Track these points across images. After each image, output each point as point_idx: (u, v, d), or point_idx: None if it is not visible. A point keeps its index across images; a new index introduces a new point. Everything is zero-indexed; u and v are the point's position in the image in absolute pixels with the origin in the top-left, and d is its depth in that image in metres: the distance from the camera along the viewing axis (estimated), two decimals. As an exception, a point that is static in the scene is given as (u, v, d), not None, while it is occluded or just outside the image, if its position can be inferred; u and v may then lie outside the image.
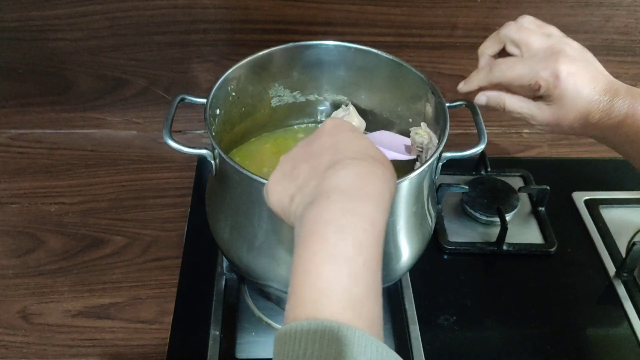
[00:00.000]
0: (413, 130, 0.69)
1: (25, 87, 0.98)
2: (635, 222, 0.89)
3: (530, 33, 0.63)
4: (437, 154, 0.62)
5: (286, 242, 0.61)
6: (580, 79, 0.60)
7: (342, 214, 0.42)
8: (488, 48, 0.66)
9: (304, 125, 0.84)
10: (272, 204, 0.49)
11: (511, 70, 0.62)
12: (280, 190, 0.48)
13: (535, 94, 0.63)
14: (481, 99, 0.66)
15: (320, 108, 0.82)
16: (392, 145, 0.71)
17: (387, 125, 0.80)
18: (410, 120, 0.76)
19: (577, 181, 0.96)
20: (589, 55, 0.62)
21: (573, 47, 0.62)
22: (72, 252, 0.83)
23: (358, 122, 0.78)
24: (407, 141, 0.72)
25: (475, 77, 0.66)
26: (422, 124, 0.69)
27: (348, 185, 0.44)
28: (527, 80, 0.61)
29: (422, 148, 0.68)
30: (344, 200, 0.43)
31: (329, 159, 0.46)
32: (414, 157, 0.69)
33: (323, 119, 0.83)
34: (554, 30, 0.64)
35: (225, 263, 0.79)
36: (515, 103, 0.64)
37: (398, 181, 0.59)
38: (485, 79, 0.65)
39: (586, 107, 0.60)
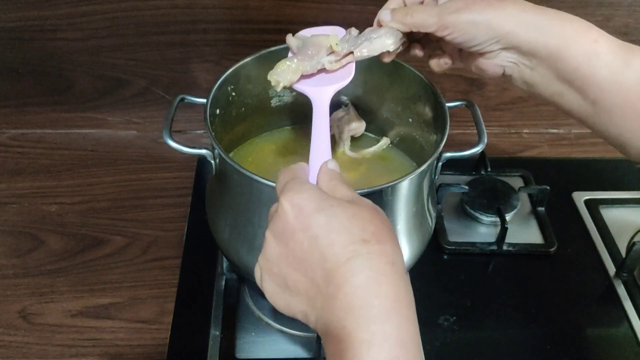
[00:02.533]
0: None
1: (25, 87, 0.98)
2: (635, 222, 0.89)
3: None
4: (437, 154, 0.62)
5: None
6: None
7: (365, 346, 0.38)
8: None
9: (304, 125, 0.84)
10: (283, 313, 0.46)
11: None
12: (284, 304, 0.44)
13: None
14: (384, 14, 0.60)
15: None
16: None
17: (387, 125, 0.80)
18: (410, 120, 0.76)
19: (577, 181, 0.95)
20: None
21: None
22: (72, 252, 0.83)
23: (358, 122, 0.79)
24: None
25: None
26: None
27: (358, 303, 0.39)
28: None
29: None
30: (361, 328, 0.39)
31: (321, 268, 0.41)
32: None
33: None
34: None
35: (225, 263, 0.79)
36: (421, 11, 0.57)
37: (398, 181, 0.59)
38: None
39: None
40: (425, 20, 0.56)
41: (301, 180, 0.47)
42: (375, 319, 0.39)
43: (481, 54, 0.57)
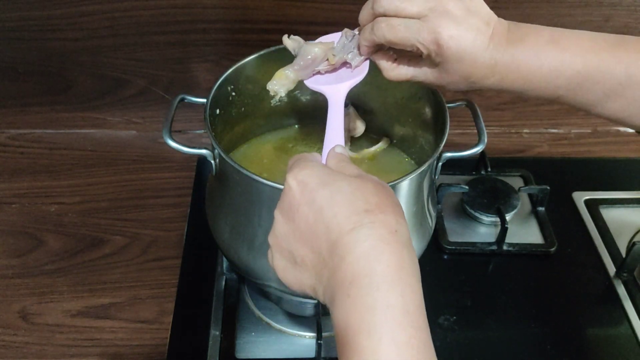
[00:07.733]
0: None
1: (25, 87, 0.98)
2: (635, 222, 0.89)
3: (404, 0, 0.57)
4: (437, 154, 0.62)
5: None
6: (463, 41, 0.55)
7: (369, 313, 0.39)
8: (364, 20, 0.61)
9: (304, 124, 0.84)
10: (293, 290, 0.46)
11: (392, 33, 0.56)
12: (294, 281, 0.45)
13: (418, 54, 0.59)
14: (385, 68, 0.62)
15: (321, 108, 0.82)
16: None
17: (387, 125, 0.80)
18: (410, 120, 0.76)
19: (577, 181, 0.95)
20: (475, 3, 0.56)
21: (458, 3, 0.55)
22: (72, 252, 0.83)
23: (358, 122, 0.78)
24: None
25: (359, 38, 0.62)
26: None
27: (362, 272, 0.40)
28: (409, 44, 0.56)
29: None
30: (364, 295, 0.39)
31: (325, 240, 0.42)
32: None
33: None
34: None
35: (225, 263, 0.79)
36: (400, 69, 0.61)
37: (398, 181, 0.59)
38: (369, 38, 0.59)
39: (469, 69, 0.57)
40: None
41: (306, 159, 0.48)
42: (378, 286, 0.39)
43: None
